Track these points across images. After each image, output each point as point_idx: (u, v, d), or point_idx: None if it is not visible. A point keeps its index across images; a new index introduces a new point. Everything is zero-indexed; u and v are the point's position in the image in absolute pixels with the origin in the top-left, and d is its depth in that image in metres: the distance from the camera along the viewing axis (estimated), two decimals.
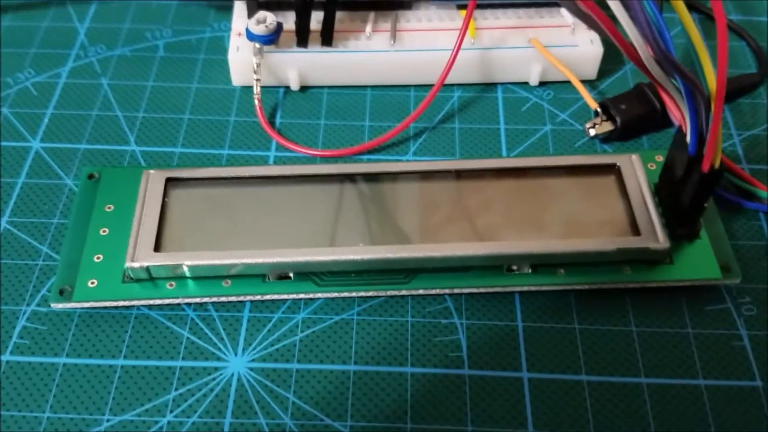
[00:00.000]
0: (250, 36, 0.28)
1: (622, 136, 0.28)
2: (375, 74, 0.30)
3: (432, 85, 0.28)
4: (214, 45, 0.32)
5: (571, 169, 0.26)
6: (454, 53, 0.28)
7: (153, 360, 0.23)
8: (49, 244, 0.25)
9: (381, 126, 0.29)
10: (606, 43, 0.30)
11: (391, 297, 0.24)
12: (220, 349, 0.23)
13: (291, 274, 0.24)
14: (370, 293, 0.24)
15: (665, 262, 0.24)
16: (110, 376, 0.22)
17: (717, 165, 0.22)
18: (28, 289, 0.24)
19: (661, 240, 0.23)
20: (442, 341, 0.23)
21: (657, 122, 0.29)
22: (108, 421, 0.21)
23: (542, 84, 0.31)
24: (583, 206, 0.25)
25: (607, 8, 0.19)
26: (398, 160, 0.28)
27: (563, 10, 0.31)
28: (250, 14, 0.30)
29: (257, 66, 0.29)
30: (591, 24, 0.21)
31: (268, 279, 0.24)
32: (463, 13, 0.30)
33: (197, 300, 0.23)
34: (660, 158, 0.27)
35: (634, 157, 0.26)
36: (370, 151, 0.28)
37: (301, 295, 0.24)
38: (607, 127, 0.28)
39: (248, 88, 0.30)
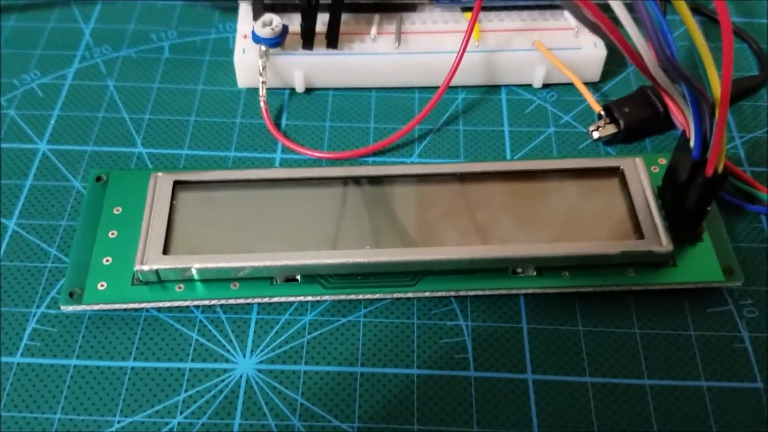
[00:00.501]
0: (256, 39, 0.28)
1: (626, 138, 0.29)
2: (380, 76, 0.30)
3: (436, 87, 0.28)
4: (219, 46, 0.32)
5: (575, 173, 0.26)
6: (459, 56, 0.28)
7: (162, 362, 0.23)
8: (58, 246, 0.25)
9: (386, 128, 0.29)
10: (609, 45, 0.30)
11: (397, 299, 0.24)
12: (228, 351, 0.23)
13: (298, 277, 0.24)
14: (377, 296, 0.24)
15: (668, 264, 0.24)
16: (120, 378, 0.23)
17: (721, 169, 0.22)
18: (38, 291, 0.24)
19: (664, 243, 0.24)
20: (448, 343, 0.24)
21: (660, 125, 0.29)
22: (119, 422, 0.22)
23: (546, 86, 0.31)
24: (586, 209, 0.25)
25: (610, 12, 0.19)
26: (403, 162, 0.28)
27: (567, 13, 0.31)
28: (256, 16, 0.30)
29: (263, 68, 0.29)
30: (594, 29, 0.22)
31: (276, 281, 0.24)
32: (468, 15, 0.31)
33: (206, 302, 0.24)
34: (663, 161, 0.27)
35: (638, 160, 0.26)
36: (375, 153, 0.29)
37: (309, 298, 0.24)
38: (611, 129, 0.28)
39: (254, 90, 0.30)
